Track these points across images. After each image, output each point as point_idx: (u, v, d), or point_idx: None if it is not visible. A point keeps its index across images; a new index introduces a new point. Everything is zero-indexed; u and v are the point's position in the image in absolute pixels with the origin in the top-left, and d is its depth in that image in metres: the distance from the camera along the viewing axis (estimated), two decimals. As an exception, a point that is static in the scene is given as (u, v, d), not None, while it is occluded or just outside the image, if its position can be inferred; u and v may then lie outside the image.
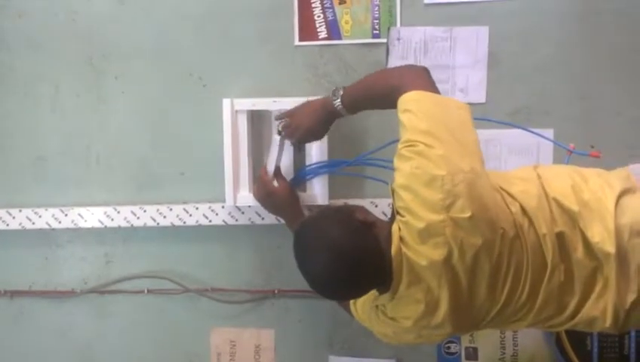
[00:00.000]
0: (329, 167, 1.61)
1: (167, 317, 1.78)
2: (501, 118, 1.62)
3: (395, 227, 1.20)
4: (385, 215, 1.64)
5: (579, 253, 1.17)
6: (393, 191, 1.21)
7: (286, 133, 1.52)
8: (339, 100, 1.38)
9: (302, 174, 1.63)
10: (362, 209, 1.29)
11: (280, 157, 1.58)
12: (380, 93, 1.30)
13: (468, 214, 1.12)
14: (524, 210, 1.18)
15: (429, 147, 1.15)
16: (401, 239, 1.18)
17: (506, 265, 1.17)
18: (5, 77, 1.74)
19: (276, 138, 1.57)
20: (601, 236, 1.16)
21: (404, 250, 1.17)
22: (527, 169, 1.29)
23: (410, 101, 1.21)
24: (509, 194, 1.20)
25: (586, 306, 1.19)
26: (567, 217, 1.18)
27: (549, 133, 1.63)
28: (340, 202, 1.66)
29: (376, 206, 1.66)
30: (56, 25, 1.71)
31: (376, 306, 1.31)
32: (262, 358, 1.79)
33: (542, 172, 1.26)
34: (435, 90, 1.24)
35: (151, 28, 1.70)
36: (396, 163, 1.20)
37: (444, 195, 1.12)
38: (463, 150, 1.16)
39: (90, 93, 1.73)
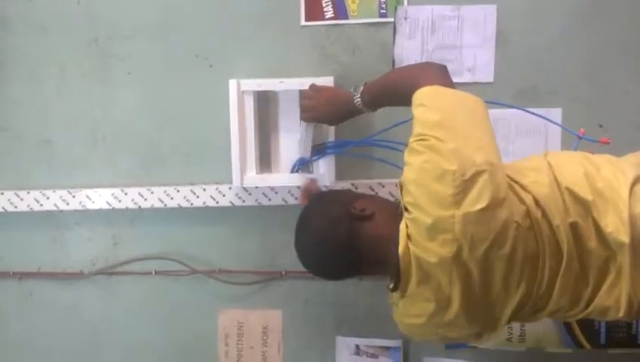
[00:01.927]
0: (336, 147, 1.61)
1: (175, 299, 1.79)
2: (509, 97, 1.61)
3: (402, 226, 1.18)
4: (391, 195, 1.64)
5: (592, 242, 1.15)
6: (402, 187, 1.19)
7: (302, 107, 1.53)
8: (358, 96, 1.38)
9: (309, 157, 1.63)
10: (366, 198, 1.30)
11: (310, 139, 1.58)
12: (397, 89, 1.29)
13: (478, 208, 1.10)
14: (537, 201, 1.16)
15: (440, 141, 1.13)
16: (408, 237, 1.17)
17: (522, 258, 1.14)
18: (11, 60, 1.74)
19: (302, 124, 1.56)
20: (615, 225, 1.13)
21: (412, 248, 1.16)
22: (538, 158, 1.26)
23: (425, 95, 1.20)
24: (521, 186, 1.18)
25: (599, 295, 1.18)
26: (581, 207, 1.16)
27: (557, 112, 1.62)
28: (347, 183, 1.66)
29: (383, 186, 1.66)
30: (62, 7, 1.71)
31: (392, 304, 1.31)
32: (269, 339, 1.80)
33: (553, 160, 1.23)
34: (452, 87, 1.23)
35: (156, 9, 1.69)
36: (406, 157, 1.18)
37: (455, 190, 1.10)
38: (477, 143, 1.14)
39: (96, 75, 1.73)
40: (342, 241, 1.25)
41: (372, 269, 1.29)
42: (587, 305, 1.20)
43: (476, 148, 1.13)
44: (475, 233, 1.11)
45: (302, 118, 1.55)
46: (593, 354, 1.67)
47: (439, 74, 1.25)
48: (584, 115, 1.63)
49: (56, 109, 1.74)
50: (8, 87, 1.75)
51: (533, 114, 1.52)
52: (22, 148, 1.76)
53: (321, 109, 1.49)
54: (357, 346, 1.77)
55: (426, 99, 1.19)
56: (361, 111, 1.41)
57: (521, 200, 1.16)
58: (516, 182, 1.18)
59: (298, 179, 1.63)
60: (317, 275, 1.40)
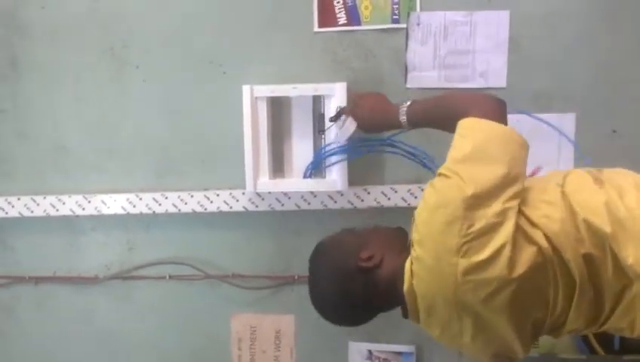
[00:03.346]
0: (348, 151, 1.61)
1: (189, 303, 1.80)
2: (522, 102, 1.61)
3: (407, 263, 1.18)
4: (404, 201, 1.65)
5: (608, 273, 1.11)
6: (414, 219, 1.19)
7: (347, 105, 1.53)
8: (404, 110, 1.34)
9: (320, 157, 1.63)
10: (375, 242, 1.27)
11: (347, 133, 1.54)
12: (445, 114, 1.26)
13: (482, 258, 1.08)
14: (547, 237, 1.11)
15: (461, 181, 1.10)
16: (412, 274, 1.16)
17: (529, 295, 1.12)
18: (28, 67, 1.76)
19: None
20: (636, 257, 1.09)
21: (415, 285, 1.16)
22: (553, 188, 1.18)
23: (467, 125, 1.17)
24: (530, 222, 1.12)
25: (613, 318, 1.16)
26: (597, 239, 1.11)
27: (571, 117, 1.62)
28: (359, 189, 1.66)
29: (396, 191, 1.66)
30: (78, 15, 1.73)
31: None
32: (282, 344, 1.80)
33: (569, 189, 1.16)
34: (503, 123, 1.18)
35: (171, 17, 1.71)
36: (426, 190, 1.17)
37: (461, 240, 1.09)
38: (499, 190, 1.11)
39: (111, 82, 1.75)
40: (360, 296, 1.24)
41: (389, 306, 1.29)
42: (602, 325, 1.18)
43: (495, 195, 1.10)
44: (478, 281, 1.10)
45: (345, 112, 1.53)
46: (607, 360, 1.66)
47: (493, 108, 1.20)
48: (598, 121, 1.63)
49: (72, 116, 1.77)
50: (25, 93, 1.77)
51: (542, 120, 1.51)
52: (38, 154, 1.79)
53: (360, 115, 1.47)
54: (369, 351, 1.77)
55: (467, 130, 1.17)
56: (400, 126, 1.37)
57: (530, 241, 1.11)
58: (526, 216, 1.13)
59: (312, 184, 1.64)
60: (346, 325, 1.39)
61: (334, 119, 1.55)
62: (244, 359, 1.82)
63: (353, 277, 1.23)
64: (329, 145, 1.61)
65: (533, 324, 1.17)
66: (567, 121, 1.59)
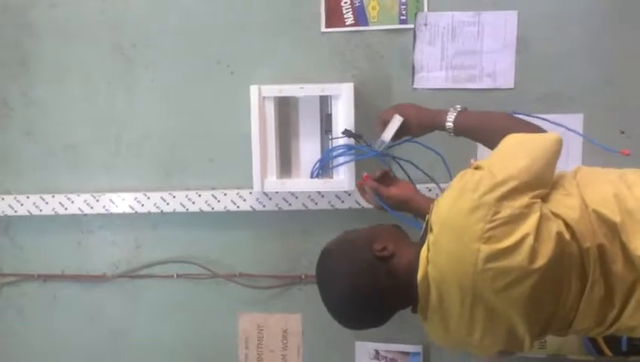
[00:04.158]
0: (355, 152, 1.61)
1: (196, 302, 1.81)
2: (530, 103, 1.61)
3: (423, 250, 1.17)
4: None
5: (619, 265, 1.12)
6: (433, 207, 1.18)
7: (386, 110, 1.47)
8: (453, 117, 1.33)
9: (327, 157, 1.64)
10: (383, 235, 1.26)
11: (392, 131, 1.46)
12: (493, 129, 1.25)
13: (504, 245, 1.08)
14: (567, 225, 1.12)
15: (492, 172, 1.12)
16: (428, 262, 1.16)
17: (545, 287, 1.12)
18: (37, 66, 1.77)
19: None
20: None
21: (430, 272, 1.15)
22: (569, 180, 1.21)
23: (512, 138, 1.19)
24: (552, 213, 1.13)
25: (624, 317, 1.15)
26: (607, 228, 1.12)
27: (579, 118, 1.62)
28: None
29: (403, 192, 1.66)
30: (87, 14, 1.74)
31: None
32: (289, 343, 1.81)
33: (582, 180, 1.19)
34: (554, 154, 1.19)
35: (179, 17, 1.72)
36: (456, 177, 1.17)
37: (485, 225, 1.08)
38: (528, 188, 1.12)
39: (120, 82, 1.76)
40: (385, 286, 1.20)
41: (406, 300, 1.24)
42: (612, 324, 1.17)
43: (524, 189, 1.11)
44: (498, 269, 1.09)
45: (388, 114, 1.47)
46: (615, 362, 1.66)
47: (547, 137, 1.20)
48: (606, 121, 1.62)
49: (81, 115, 1.78)
50: (34, 92, 1.78)
51: (549, 122, 1.50)
52: (47, 153, 1.80)
53: (408, 108, 1.44)
54: (376, 351, 1.77)
55: (512, 140, 1.19)
56: (445, 129, 1.35)
57: (552, 232, 1.10)
58: (549, 209, 1.14)
59: (319, 184, 1.64)
60: (364, 328, 1.32)
61: (348, 134, 1.55)
62: (251, 358, 1.82)
63: (374, 268, 1.21)
64: (337, 146, 1.61)
65: (544, 321, 1.16)
66: (574, 122, 1.59)
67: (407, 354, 1.75)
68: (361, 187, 1.47)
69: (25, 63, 1.77)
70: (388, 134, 1.43)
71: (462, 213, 1.11)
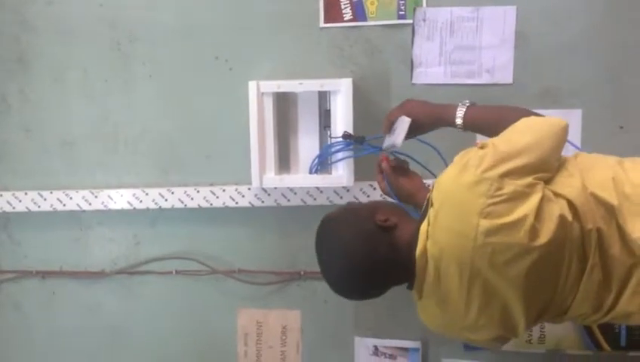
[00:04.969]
0: (354, 148, 1.61)
1: (195, 298, 1.81)
2: (528, 98, 1.61)
3: (423, 225, 1.17)
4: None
5: (616, 249, 1.12)
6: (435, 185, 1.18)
7: (393, 111, 1.43)
8: (462, 112, 1.30)
9: (326, 154, 1.64)
10: (386, 207, 1.27)
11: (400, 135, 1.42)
12: (503, 123, 1.22)
13: (505, 221, 1.08)
14: (570, 204, 1.12)
15: (495, 147, 1.13)
16: (428, 237, 1.16)
17: (544, 267, 1.12)
18: (35, 62, 1.77)
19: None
20: None
21: (429, 248, 1.15)
22: (570, 163, 1.21)
23: (520, 124, 1.19)
24: (554, 193, 1.13)
25: (621, 302, 1.15)
26: (605, 211, 1.13)
27: (578, 113, 1.61)
28: (365, 184, 1.67)
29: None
30: (84, 11, 1.73)
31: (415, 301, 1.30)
32: (288, 339, 1.81)
33: (583, 164, 1.20)
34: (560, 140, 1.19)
35: (177, 12, 1.71)
36: (459, 154, 1.17)
37: (486, 200, 1.09)
38: (532, 170, 1.12)
39: (117, 78, 1.75)
40: (384, 255, 1.21)
41: (405, 275, 1.24)
42: (609, 311, 1.18)
43: (527, 170, 1.11)
44: (498, 244, 1.09)
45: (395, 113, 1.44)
46: (613, 357, 1.66)
47: (555, 122, 1.20)
48: (605, 117, 1.63)
49: (79, 111, 1.77)
50: (32, 89, 1.78)
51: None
52: (45, 149, 1.80)
53: (414, 105, 1.41)
54: (375, 347, 1.77)
55: (519, 124, 1.19)
56: (453, 125, 1.33)
57: (554, 211, 1.11)
58: (551, 190, 1.14)
59: (318, 180, 1.64)
60: (361, 298, 1.35)
61: (347, 137, 1.55)
62: (250, 354, 1.82)
63: (376, 238, 1.21)
64: (335, 142, 1.61)
65: (541, 303, 1.17)
66: (573, 117, 1.59)
67: (406, 349, 1.75)
68: (378, 166, 1.46)
69: (22, 60, 1.77)
70: (399, 139, 1.40)
71: (464, 187, 1.11)
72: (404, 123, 1.38)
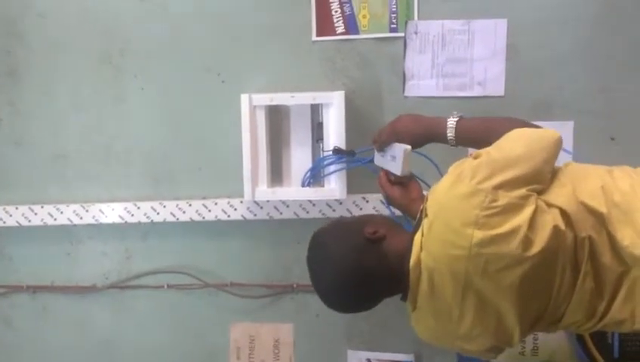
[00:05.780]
0: (347, 160, 1.60)
1: (187, 312, 1.80)
2: (520, 111, 1.59)
3: (417, 236, 1.18)
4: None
5: (607, 257, 1.13)
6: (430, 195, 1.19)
7: (385, 128, 1.41)
8: (454, 124, 1.29)
9: (319, 166, 1.63)
10: (376, 220, 1.28)
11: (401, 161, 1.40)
12: (496, 134, 1.22)
13: (498, 232, 1.09)
14: (563, 213, 1.13)
15: (490, 162, 1.13)
16: (422, 248, 1.16)
17: (537, 277, 1.12)
18: (25, 75, 1.76)
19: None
20: (632, 239, 1.11)
21: (423, 259, 1.15)
22: (563, 173, 1.22)
23: (512, 134, 1.19)
24: (547, 204, 1.14)
25: (613, 309, 1.16)
26: (595, 220, 1.14)
27: (569, 125, 1.62)
28: (358, 197, 1.66)
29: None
30: (77, 23, 1.73)
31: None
32: (281, 352, 1.80)
33: (574, 173, 1.21)
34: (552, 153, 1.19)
35: (169, 25, 1.71)
36: (453, 165, 1.18)
37: (481, 212, 1.09)
38: (525, 182, 1.13)
39: (109, 91, 1.75)
40: (374, 267, 1.21)
41: (396, 286, 1.24)
42: (602, 318, 1.18)
43: (520, 182, 1.12)
44: (491, 254, 1.10)
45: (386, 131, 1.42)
46: (607, 368, 1.66)
47: (548, 135, 1.20)
48: (596, 128, 1.63)
49: (70, 124, 1.76)
50: (23, 101, 1.77)
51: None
52: (36, 163, 1.79)
53: (403, 123, 1.39)
54: (368, 360, 1.76)
55: (512, 134, 1.19)
56: (445, 139, 1.31)
57: (547, 222, 1.11)
58: (544, 201, 1.15)
59: (311, 193, 1.64)
60: (353, 310, 1.33)
61: (338, 152, 1.56)
62: (242, 368, 1.82)
63: (364, 250, 1.22)
64: (328, 155, 1.61)
65: (535, 312, 1.17)
66: (565, 129, 1.59)
67: (399, 363, 1.75)
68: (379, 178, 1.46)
69: (13, 73, 1.76)
70: (404, 169, 1.38)
71: (458, 198, 1.12)
72: (401, 153, 1.37)
